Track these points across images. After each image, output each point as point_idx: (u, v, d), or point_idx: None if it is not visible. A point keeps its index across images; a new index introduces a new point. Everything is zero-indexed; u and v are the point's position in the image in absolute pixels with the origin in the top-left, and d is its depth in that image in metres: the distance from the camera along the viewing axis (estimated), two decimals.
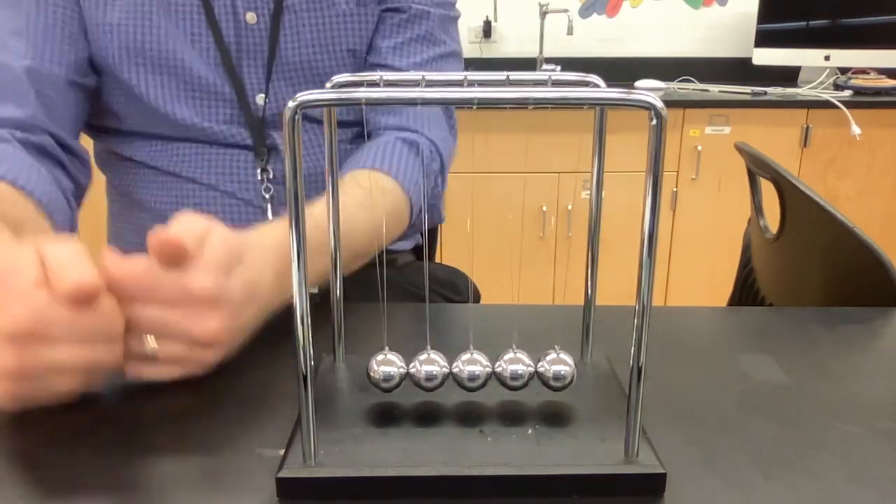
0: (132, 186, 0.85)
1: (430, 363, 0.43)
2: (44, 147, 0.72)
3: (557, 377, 0.43)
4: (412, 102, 0.34)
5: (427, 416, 0.43)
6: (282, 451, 0.40)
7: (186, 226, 0.47)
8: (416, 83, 0.42)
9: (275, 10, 0.79)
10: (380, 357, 0.43)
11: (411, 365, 0.43)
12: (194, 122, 0.80)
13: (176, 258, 0.46)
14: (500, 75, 0.42)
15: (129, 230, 0.88)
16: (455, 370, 0.43)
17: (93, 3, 0.75)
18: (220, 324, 0.47)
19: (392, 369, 0.43)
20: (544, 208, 2.33)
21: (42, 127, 0.73)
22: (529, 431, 0.41)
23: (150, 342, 0.46)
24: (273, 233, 0.56)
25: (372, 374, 0.43)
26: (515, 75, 0.42)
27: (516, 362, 0.43)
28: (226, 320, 0.47)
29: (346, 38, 0.82)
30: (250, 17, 0.79)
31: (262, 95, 0.81)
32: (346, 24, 0.83)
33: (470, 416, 0.43)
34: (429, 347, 0.44)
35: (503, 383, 0.44)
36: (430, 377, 0.43)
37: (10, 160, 0.66)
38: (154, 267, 0.46)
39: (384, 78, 0.41)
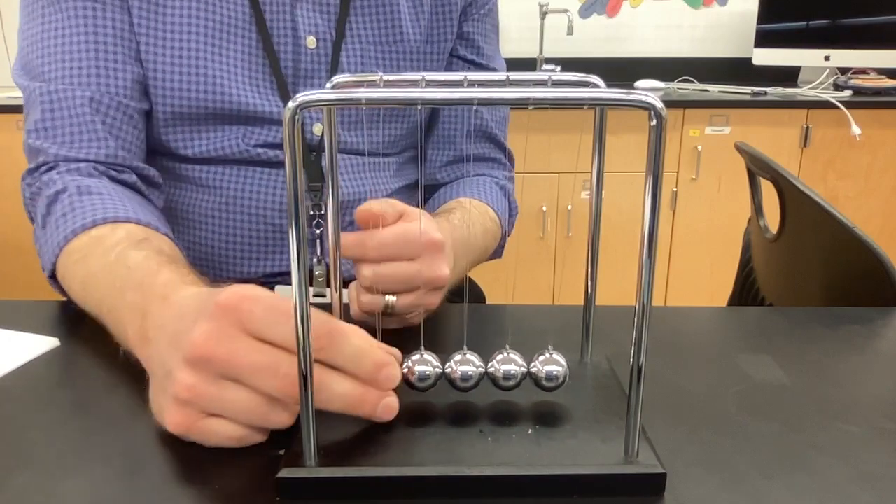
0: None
1: (423, 363, 0.43)
2: (127, 184, 0.71)
3: (550, 377, 0.43)
4: (412, 103, 0.34)
5: (427, 417, 0.43)
6: (282, 452, 0.40)
7: (383, 205, 0.54)
8: (415, 83, 0.42)
9: (336, 35, 0.79)
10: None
11: (404, 365, 0.43)
12: (237, 146, 0.78)
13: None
14: (500, 75, 0.43)
15: None
16: (448, 370, 0.43)
17: (142, 30, 0.73)
18: (448, 269, 0.57)
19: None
20: (544, 208, 2.33)
21: (121, 163, 0.72)
22: (529, 431, 0.41)
23: (389, 298, 0.53)
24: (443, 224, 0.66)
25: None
26: (515, 75, 0.42)
27: (508, 362, 0.43)
28: (450, 266, 0.57)
29: (411, 72, 0.83)
30: (310, 41, 0.78)
31: (320, 125, 0.80)
32: (412, 61, 0.83)
33: (469, 417, 0.43)
34: (422, 348, 0.44)
35: (496, 383, 0.44)
36: (422, 377, 0.43)
37: (123, 200, 0.66)
38: (401, 231, 0.54)
39: (384, 78, 0.41)
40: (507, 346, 0.44)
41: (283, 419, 0.40)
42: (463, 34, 0.87)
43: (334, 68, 0.80)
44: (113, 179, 0.70)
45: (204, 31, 0.74)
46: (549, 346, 0.44)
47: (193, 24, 0.74)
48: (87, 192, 0.66)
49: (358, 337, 0.40)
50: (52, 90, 0.70)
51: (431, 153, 0.91)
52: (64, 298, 0.64)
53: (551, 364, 0.43)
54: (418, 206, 0.57)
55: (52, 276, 0.65)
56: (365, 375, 0.40)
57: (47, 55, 0.71)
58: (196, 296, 0.45)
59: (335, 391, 0.40)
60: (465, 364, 0.43)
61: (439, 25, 0.85)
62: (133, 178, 0.72)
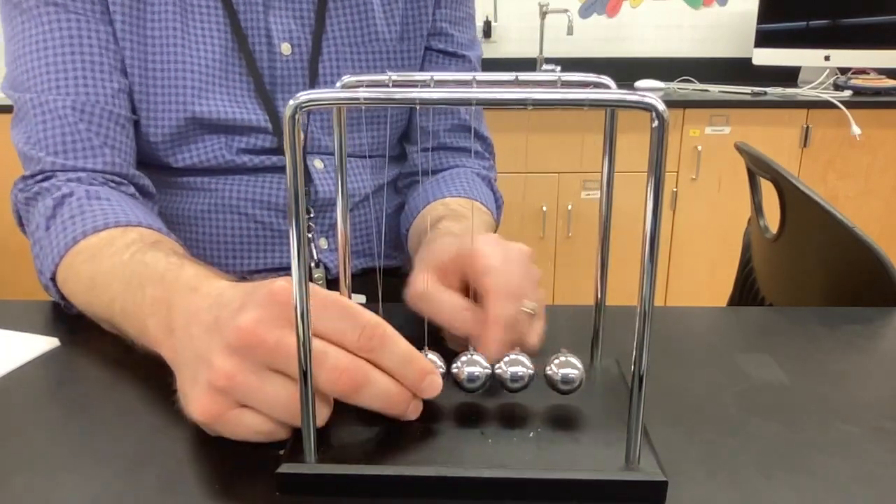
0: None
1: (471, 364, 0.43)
2: (126, 195, 0.71)
3: (566, 380, 0.43)
4: (411, 103, 0.34)
5: (430, 417, 0.43)
6: (282, 452, 0.40)
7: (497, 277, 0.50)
8: (423, 83, 0.42)
9: (313, 43, 0.79)
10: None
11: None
12: (221, 157, 0.78)
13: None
14: (509, 75, 0.42)
15: None
16: (454, 371, 0.43)
17: (125, 43, 0.72)
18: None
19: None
20: (544, 208, 2.33)
21: (118, 173, 0.72)
22: (531, 434, 0.41)
23: (529, 303, 0.51)
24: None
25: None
26: (525, 76, 0.42)
27: (516, 364, 0.43)
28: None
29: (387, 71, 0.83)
30: (285, 48, 0.78)
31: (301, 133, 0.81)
32: (388, 60, 0.83)
33: (472, 418, 0.43)
34: (426, 348, 0.44)
35: (503, 385, 0.43)
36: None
37: (132, 207, 0.66)
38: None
39: (392, 78, 0.41)
40: (517, 348, 0.44)
41: (318, 420, 0.39)
42: (434, 22, 0.86)
43: (313, 74, 0.79)
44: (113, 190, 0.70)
45: (182, 44, 0.74)
46: (563, 349, 0.44)
47: (171, 37, 0.74)
48: (97, 198, 0.66)
49: (406, 342, 0.40)
50: (42, 101, 0.70)
51: (410, 145, 0.91)
52: (60, 302, 0.63)
53: (567, 367, 0.43)
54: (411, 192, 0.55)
55: (54, 278, 0.63)
56: (409, 381, 0.40)
57: (32, 69, 0.71)
58: (233, 287, 0.43)
59: (380, 389, 0.39)
60: (472, 365, 0.43)
61: (413, 22, 0.84)
62: (131, 189, 0.73)
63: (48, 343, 0.56)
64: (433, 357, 0.43)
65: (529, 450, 0.40)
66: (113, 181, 0.71)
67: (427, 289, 0.51)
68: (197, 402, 0.40)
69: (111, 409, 0.47)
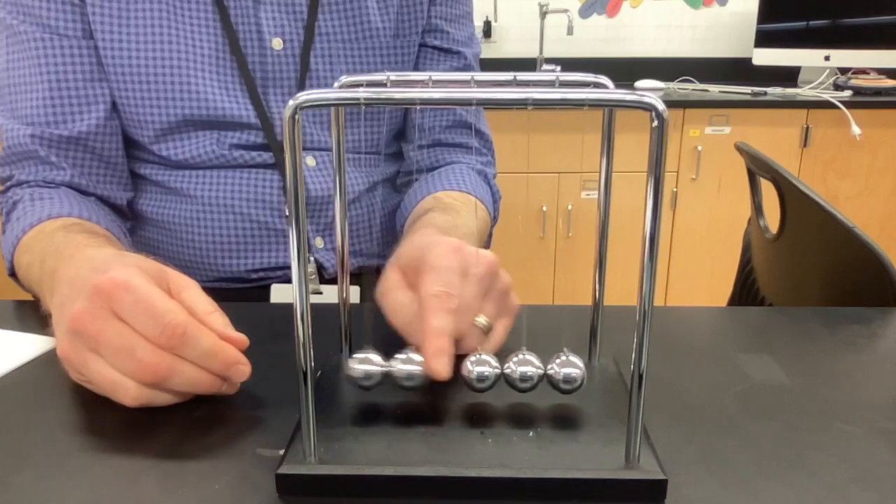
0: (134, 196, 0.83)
1: (409, 363, 0.43)
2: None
3: (568, 380, 0.43)
4: (411, 103, 0.34)
5: (429, 417, 0.43)
6: (281, 452, 0.40)
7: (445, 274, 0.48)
8: (422, 83, 0.42)
9: (305, 37, 0.78)
10: (360, 356, 0.44)
11: (392, 364, 0.43)
12: (213, 152, 0.78)
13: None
14: (507, 76, 0.42)
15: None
16: (464, 372, 0.43)
17: (107, 43, 0.73)
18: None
19: (372, 367, 0.43)
20: (544, 208, 2.33)
21: (83, 190, 0.76)
22: (531, 434, 0.41)
23: (482, 318, 0.50)
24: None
25: (350, 372, 0.43)
26: (523, 76, 0.42)
27: (526, 364, 0.43)
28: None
29: (381, 69, 0.81)
30: (276, 42, 0.77)
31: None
32: (382, 56, 0.82)
33: (472, 418, 0.43)
34: (413, 347, 0.44)
35: (512, 385, 0.43)
36: (409, 377, 0.43)
37: (71, 201, 0.72)
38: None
39: (391, 78, 0.41)
40: (524, 348, 0.44)
41: (126, 399, 0.45)
42: (429, 19, 0.85)
43: (304, 69, 0.79)
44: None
45: (168, 39, 0.74)
46: (565, 348, 0.44)
47: (157, 33, 0.74)
48: (39, 198, 0.72)
49: (208, 338, 0.44)
50: (9, 128, 0.74)
51: (407, 143, 0.90)
52: (31, 298, 0.66)
53: (569, 366, 0.43)
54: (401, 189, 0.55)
55: (13, 274, 0.70)
56: (216, 371, 0.45)
57: (7, 93, 0.75)
58: (90, 260, 0.50)
59: (186, 378, 0.44)
60: (481, 364, 0.43)
61: (408, 17, 0.83)
62: (92, 198, 0.77)
63: (48, 343, 0.56)
64: (412, 355, 0.43)
65: (529, 449, 0.40)
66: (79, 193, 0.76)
67: (386, 288, 0.52)
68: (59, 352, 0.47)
69: (110, 409, 0.47)
